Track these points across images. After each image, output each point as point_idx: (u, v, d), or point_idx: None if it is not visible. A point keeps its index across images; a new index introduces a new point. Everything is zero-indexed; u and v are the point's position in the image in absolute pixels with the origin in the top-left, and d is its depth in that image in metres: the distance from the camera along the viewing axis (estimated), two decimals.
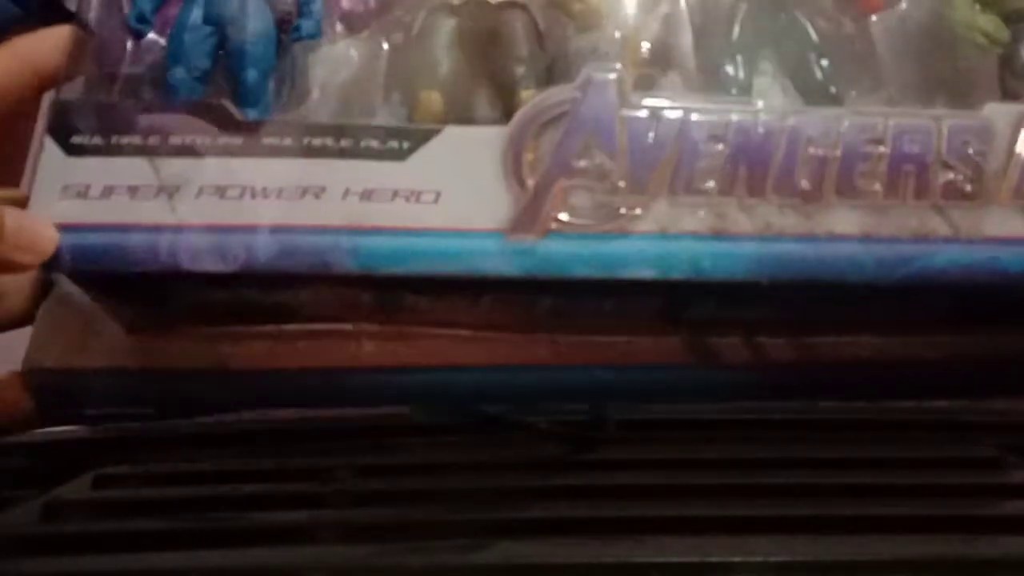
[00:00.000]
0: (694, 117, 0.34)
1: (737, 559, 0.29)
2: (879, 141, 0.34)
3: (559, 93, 0.34)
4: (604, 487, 0.34)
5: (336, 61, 0.39)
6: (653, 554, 0.30)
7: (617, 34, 0.37)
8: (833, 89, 0.38)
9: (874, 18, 0.39)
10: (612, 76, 0.34)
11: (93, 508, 0.35)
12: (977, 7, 0.39)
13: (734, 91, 0.37)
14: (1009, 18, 0.39)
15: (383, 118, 0.37)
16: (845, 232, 0.33)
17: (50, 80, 0.36)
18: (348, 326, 0.36)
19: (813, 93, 0.38)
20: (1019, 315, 0.35)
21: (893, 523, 0.31)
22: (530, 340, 0.37)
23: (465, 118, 0.36)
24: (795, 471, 0.34)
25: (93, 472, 0.37)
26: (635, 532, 0.31)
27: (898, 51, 0.39)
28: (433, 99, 0.36)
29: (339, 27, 0.38)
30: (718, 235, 0.33)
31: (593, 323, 0.36)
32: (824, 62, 0.38)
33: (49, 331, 0.37)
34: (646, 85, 0.37)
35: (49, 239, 0.32)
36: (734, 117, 0.34)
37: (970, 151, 0.34)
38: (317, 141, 0.33)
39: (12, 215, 0.32)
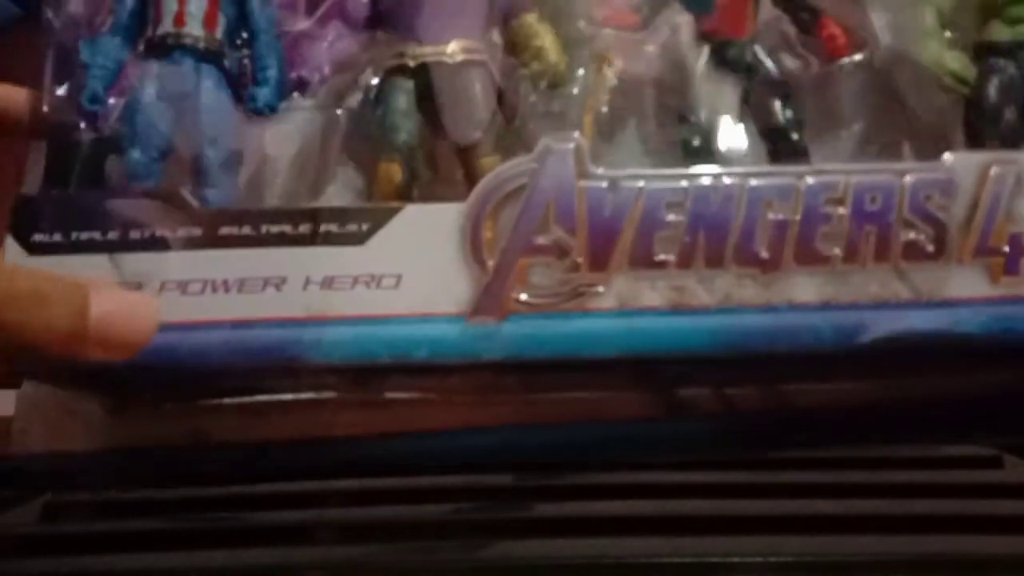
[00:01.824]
0: (651, 185, 0.34)
1: (737, 559, 0.30)
2: (840, 201, 0.34)
3: (516, 166, 0.34)
4: (604, 487, 0.34)
5: (292, 131, 0.39)
6: (653, 554, 0.30)
7: (575, 91, 0.37)
8: (795, 136, 0.37)
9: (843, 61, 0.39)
10: (570, 146, 0.34)
11: (93, 508, 0.35)
12: (947, 43, 0.38)
13: (696, 142, 0.37)
14: (978, 52, 0.38)
15: (339, 188, 0.38)
16: (804, 300, 0.33)
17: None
18: (321, 395, 0.37)
19: (775, 139, 0.38)
20: (992, 359, 0.36)
21: (893, 523, 0.31)
22: (500, 401, 0.37)
23: (427, 189, 0.37)
24: (795, 471, 0.35)
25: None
26: (635, 532, 0.31)
27: (867, 93, 0.39)
28: (393, 170, 0.36)
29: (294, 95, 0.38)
30: (677, 310, 0.33)
31: (562, 381, 0.37)
32: (788, 108, 0.38)
33: (28, 413, 0.38)
34: (606, 142, 0.37)
35: (145, 330, 0.31)
36: (692, 183, 0.34)
37: (932, 207, 0.34)
38: (275, 228, 0.33)
39: (103, 300, 0.30)
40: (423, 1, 0.37)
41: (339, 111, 0.38)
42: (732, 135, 0.38)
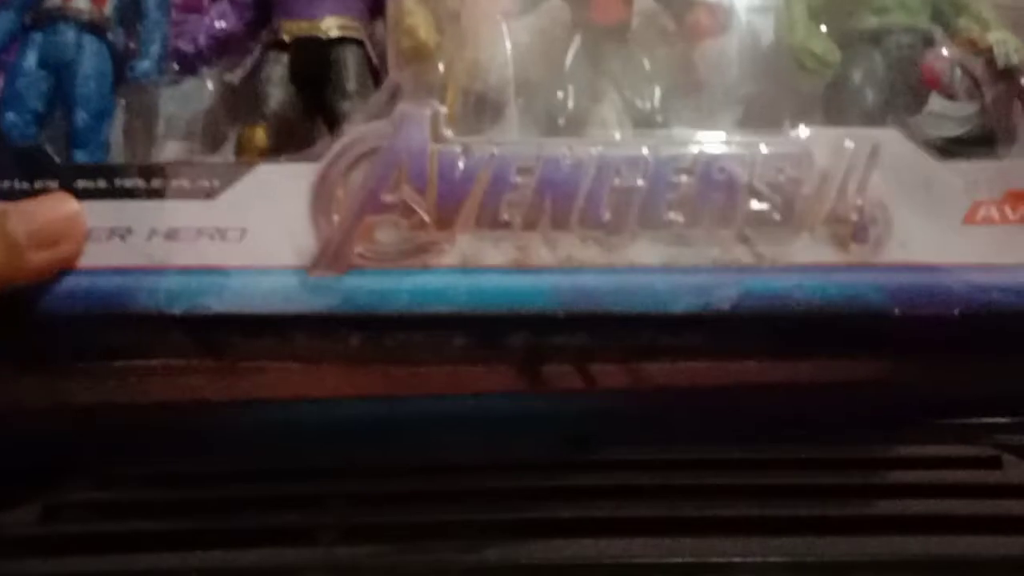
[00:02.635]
0: (504, 151, 0.34)
1: (737, 559, 0.30)
2: (687, 171, 0.34)
3: (373, 129, 0.35)
4: (604, 487, 0.34)
5: (186, 98, 0.40)
6: (653, 554, 0.30)
7: (441, 67, 0.37)
8: (660, 119, 0.38)
9: (712, 43, 0.39)
10: (426, 111, 0.35)
11: (93, 509, 0.35)
12: (816, 27, 0.39)
13: (561, 122, 0.38)
14: (849, 40, 0.39)
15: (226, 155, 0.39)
16: (646, 263, 0.33)
17: None
18: (180, 362, 0.36)
19: (643, 123, 0.38)
20: (855, 342, 0.35)
21: (893, 523, 0.31)
22: (364, 372, 0.37)
23: (295, 154, 0.37)
24: (795, 471, 0.34)
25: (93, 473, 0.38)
26: (635, 532, 0.31)
27: (739, 76, 0.40)
28: (257, 135, 0.37)
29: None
30: (519, 268, 0.33)
31: (424, 353, 0.37)
32: (656, 92, 0.38)
33: None
34: (476, 118, 0.38)
35: (71, 220, 0.32)
36: (543, 150, 0.34)
37: (783, 178, 0.34)
38: (128, 182, 0.34)
39: (18, 215, 0.32)
40: None
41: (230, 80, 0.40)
42: (599, 116, 0.38)
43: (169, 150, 0.40)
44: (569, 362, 0.37)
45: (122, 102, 0.39)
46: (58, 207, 0.34)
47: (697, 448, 0.36)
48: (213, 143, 0.39)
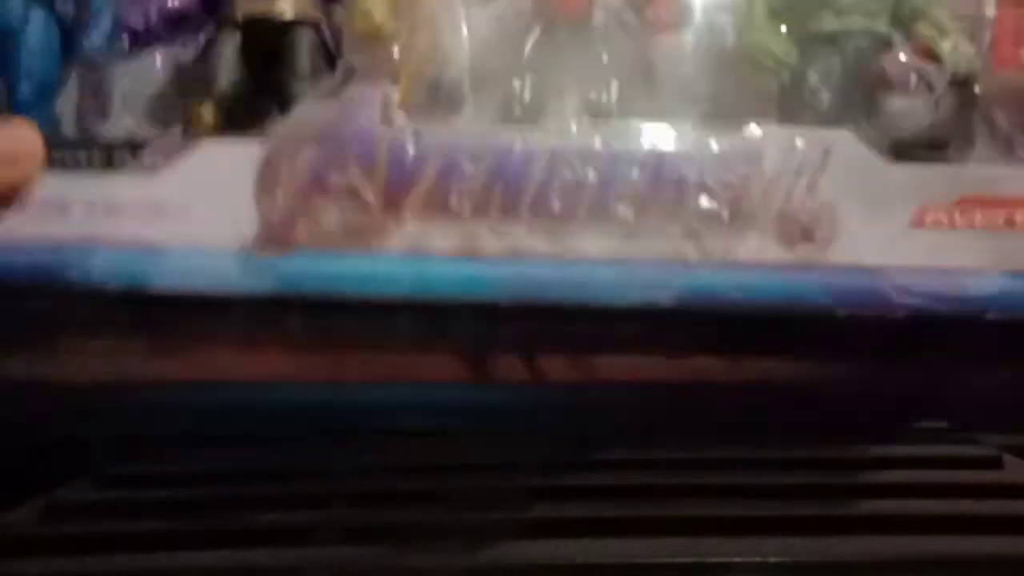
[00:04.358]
0: (456, 138, 0.34)
1: (737, 559, 0.29)
2: (639, 165, 0.34)
3: (321, 109, 0.34)
4: (604, 487, 0.34)
5: (138, 74, 0.39)
6: (653, 554, 0.30)
7: (396, 52, 0.37)
8: (616, 113, 0.37)
9: (670, 39, 0.39)
10: (377, 94, 0.34)
11: (94, 509, 0.35)
12: (775, 27, 0.39)
13: (517, 113, 0.38)
14: (809, 41, 0.39)
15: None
16: (593, 255, 0.33)
17: None
18: (117, 340, 0.36)
19: (599, 117, 0.38)
20: (799, 341, 0.35)
21: (893, 523, 0.31)
22: (306, 356, 0.36)
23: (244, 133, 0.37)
24: (795, 471, 0.34)
25: (94, 472, 0.37)
26: (635, 532, 0.31)
27: (697, 73, 0.39)
28: (205, 112, 0.36)
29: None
30: (466, 256, 0.33)
31: (367, 339, 0.36)
32: (613, 86, 0.38)
33: None
34: (429, 104, 0.38)
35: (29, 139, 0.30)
36: (496, 139, 0.34)
37: (732, 176, 0.34)
38: (69, 156, 0.33)
39: None
40: None
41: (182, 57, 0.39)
42: (558, 109, 0.38)
43: (121, 126, 0.39)
44: (516, 353, 0.37)
45: (75, 77, 0.38)
46: (16, 130, 0.33)
47: (692, 448, 0.36)
48: (164, 121, 0.39)
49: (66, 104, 0.36)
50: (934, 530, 0.30)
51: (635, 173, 0.33)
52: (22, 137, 0.32)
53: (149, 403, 0.36)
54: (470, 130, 0.34)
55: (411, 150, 0.34)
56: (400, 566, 0.31)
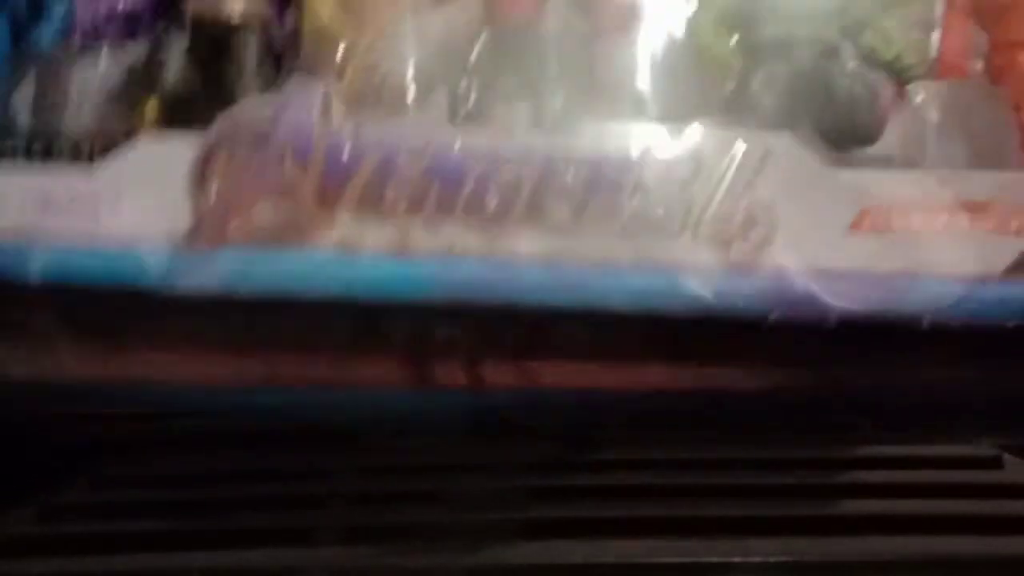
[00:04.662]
0: (395, 135, 0.34)
1: (737, 559, 0.30)
2: (576, 166, 0.34)
3: (259, 105, 0.34)
4: (604, 487, 0.34)
5: (89, 71, 0.40)
6: (653, 554, 0.30)
7: (340, 53, 0.37)
8: (562, 115, 0.37)
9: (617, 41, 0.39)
10: (316, 90, 0.34)
11: (91, 509, 0.35)
12: (722, 32, 0.39)
13: (462, 115, 0.38)
14: (757, 46, 0.39)
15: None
16: (526, 255, 0.33)
17: None
18: (47, 339, 0.35)
19: (545, 119, 0.38)
20: (732, 346, 0.35)
21: (893, 523, 0.31)
22: (240, 356, 0.36)
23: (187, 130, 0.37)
24: (795, 471, 0.34)
25: (92, 473, 0.37)
26: (635, 532, 0.31)
27: (643, 75, 0.39)
28: (149, 108, 0.37)
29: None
30: (398, 254, 0.33)
31: (302, 340, 0.36)
32: (561, 89, 0.38)
33: None
34: (371, 102, 0.38)
35: None
36: (435, 136, 0.34)
37: (669, 178, 0.34)
38: (6, 148, 0.33)
39: None
40: None
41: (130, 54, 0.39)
42: (504, 109, 0.38)
43: (69, 123, 0.39)
44: (453, 356, 0.36)
45: (26, 73, 0.38)
46: None
47: (694, 448, 0.36)
48: (110, 118, 0.39)
49: (18, 100, 0.36)
50: (934, 530, 0.31)
51: (571, 174, 0.33)
52: None
53: (77, 403, 0.36)
54: (409, 126, 0.34)
55: (348, 146, 0.34)
56: (400, 566, 0.31)
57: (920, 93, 0.38)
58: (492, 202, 0.33)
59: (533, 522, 0.32)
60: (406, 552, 0.31)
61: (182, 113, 0.37)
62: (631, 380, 0.33)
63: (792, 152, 0.34)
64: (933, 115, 0.38)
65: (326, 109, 0.34)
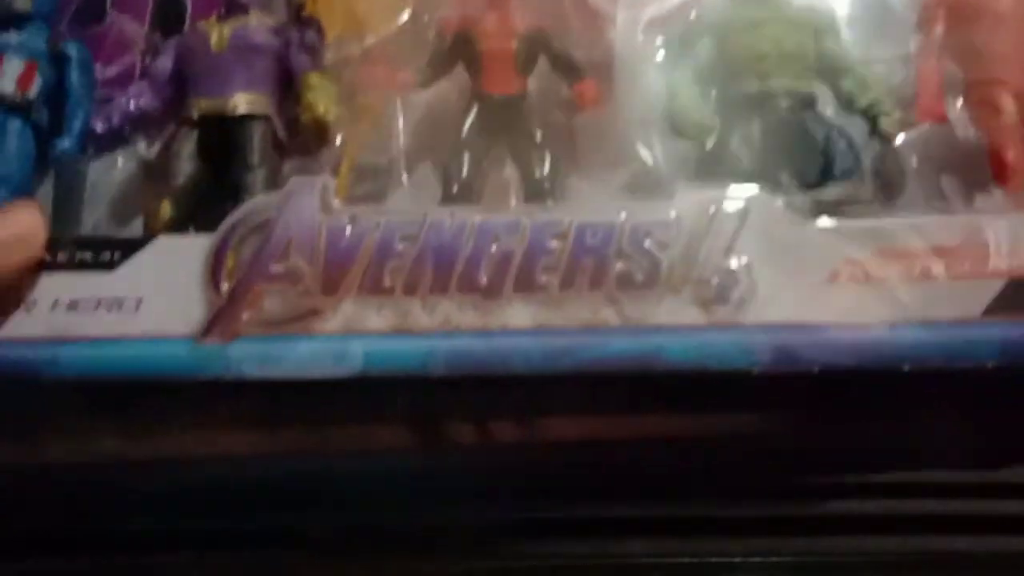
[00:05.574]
0: (390, 220, 0.36)
1: (737, 559, 0.30)
2: (561, 236, 0.35)
3: (265, 202, 0.37)
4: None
5: (106, 174, 0.42)
6: (653, 554, 0.31)
7: (338, 140, 0.39)
8: (547, 185, 0.39)
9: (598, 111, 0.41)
10: (316, 183, 0.37)
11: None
12: (698, 93, 0.40)
13: (455, 189, 0.40)
14: (733, 102, 0.40)
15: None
16: (519, 325, 0.34)
17: None
18: (82, 426, 0.38)
19: (533, 190, 0.40)
20: (718, 400, 0.36)
21: (893, 523, 0.31)
22: (256, 434, 0.38)
23: (202, 226, 0.39)
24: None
25: None
26: (635, 532, 0.31)
27: (626, 141, 0.41)
28: (163, 208, 0.39)
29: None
30: (398, 332, 0.35)
31: (314, 416, 0.38)
32: (546, 160, 0.40)
33: None
34: (366, 190, 0.40)
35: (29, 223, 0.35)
36: (428, 217, 0.36)
37: (649, 242, 0.35)
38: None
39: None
40: (207, 59, 0.41)
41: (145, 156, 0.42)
42: (499, 183, 0.40)
43: (88, 225, 0.42)
44: (457, 422, 0.38)
45: (51, 178, 0.41)
46: (29, 213, 0.36)
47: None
48: (125, 217, 0.41)
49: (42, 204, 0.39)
50: (934, 530, 0.31)
51: (557, 244, 0.35)
52: (34, 219, 0.36)
53: (114, 483, 0.38)
54: (403, 211, 0.37)
55: (347, 234, 0.36)
56: (400, 567, 0.32)
57: (897, 137, 0.39)
58: (483, 276, 0.35)
59: (534, 522, 0.32)
60: (406, 553, 0.32)
61: (194, 209, 0.40)
62: (623, 433, 0.34)
63: (768, 208, 0.35)
64: (910, 159, 0.39)
65: (325, 200, 0.36)
